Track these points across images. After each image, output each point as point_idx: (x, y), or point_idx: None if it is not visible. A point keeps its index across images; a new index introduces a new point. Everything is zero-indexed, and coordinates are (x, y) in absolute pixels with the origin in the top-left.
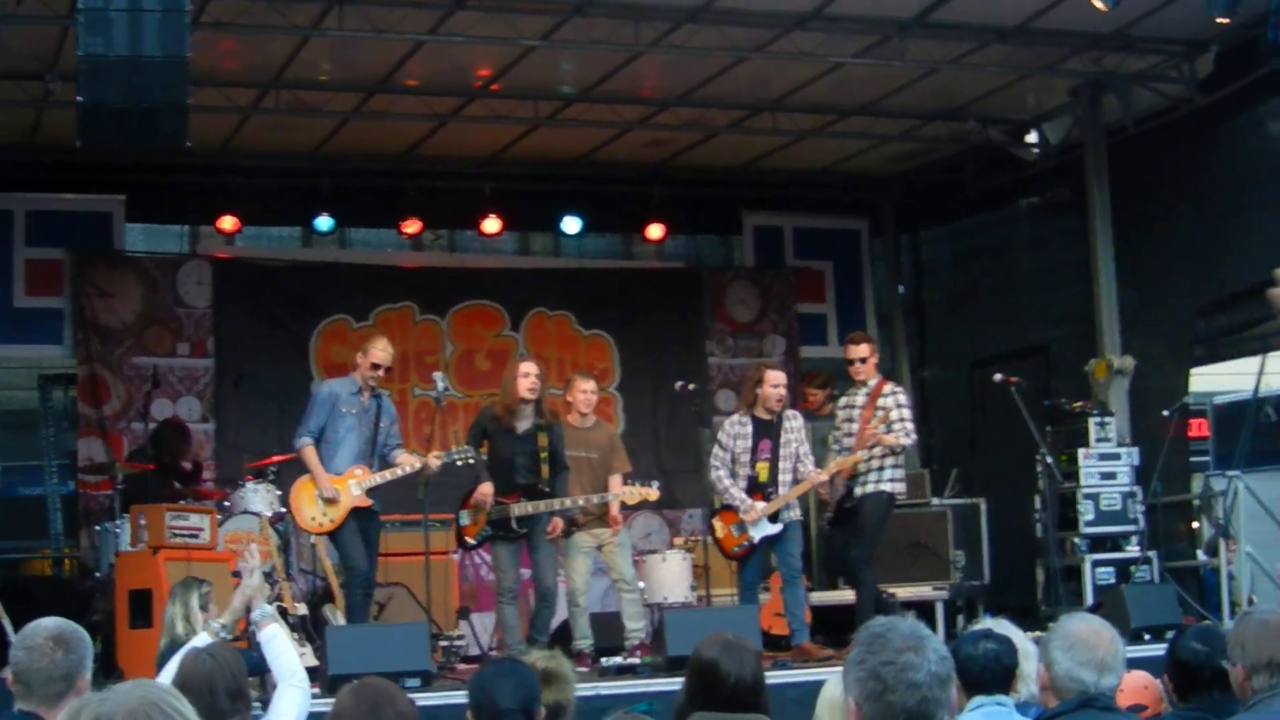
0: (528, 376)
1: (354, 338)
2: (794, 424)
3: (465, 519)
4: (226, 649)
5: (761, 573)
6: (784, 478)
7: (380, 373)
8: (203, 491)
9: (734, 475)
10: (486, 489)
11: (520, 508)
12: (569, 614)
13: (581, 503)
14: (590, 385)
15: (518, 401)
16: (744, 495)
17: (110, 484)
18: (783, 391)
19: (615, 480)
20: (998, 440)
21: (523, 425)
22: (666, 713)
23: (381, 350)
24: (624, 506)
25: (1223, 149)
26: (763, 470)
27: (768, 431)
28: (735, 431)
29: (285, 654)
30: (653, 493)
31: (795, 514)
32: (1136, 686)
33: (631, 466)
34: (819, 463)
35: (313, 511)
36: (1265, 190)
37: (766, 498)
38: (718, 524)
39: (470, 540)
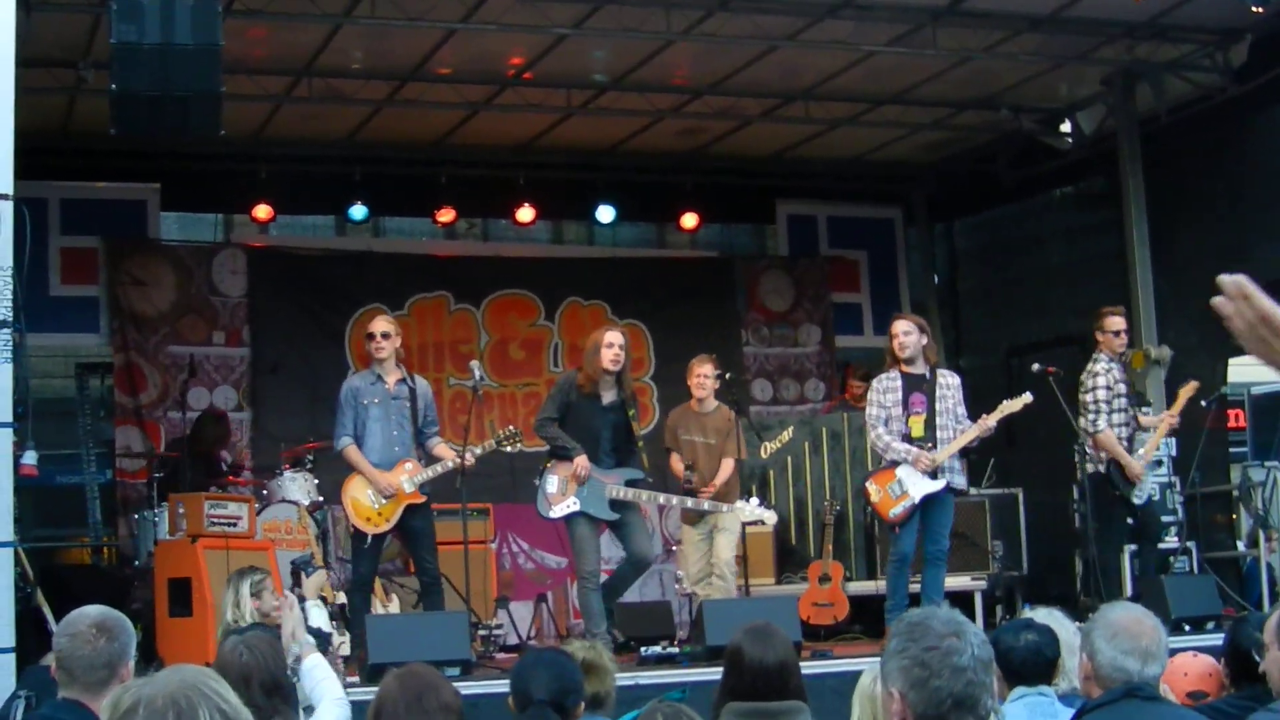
0: (611, 347)
1: None
2: (951, 381)
3: (553, 485)
4: (264, 641)
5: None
6: (943, 434)
7: (380, 342)
8: (239, 481)
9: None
10: (584, 461)
11: (619, 491)
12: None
13: (690, 504)
14: (707, 369)
15: (600, 373)
16: (909, 446)
17: (147, 472)
18: (904, 339)
19: (727, 464)
20: (1035, 430)
21: (608, 396)
22: (701, 700)
23: (373, 321)
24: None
25: (1257, 138)
26: (916, 424)
27: (919, 385)
28: (884, 386)
29: (327, 681)
30: (770, 516)
31: (959, 479)
32: (1202, 673)
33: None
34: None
35: (368, 513)
36: None
37: None
38: (872, 487)
39: (552, 512)
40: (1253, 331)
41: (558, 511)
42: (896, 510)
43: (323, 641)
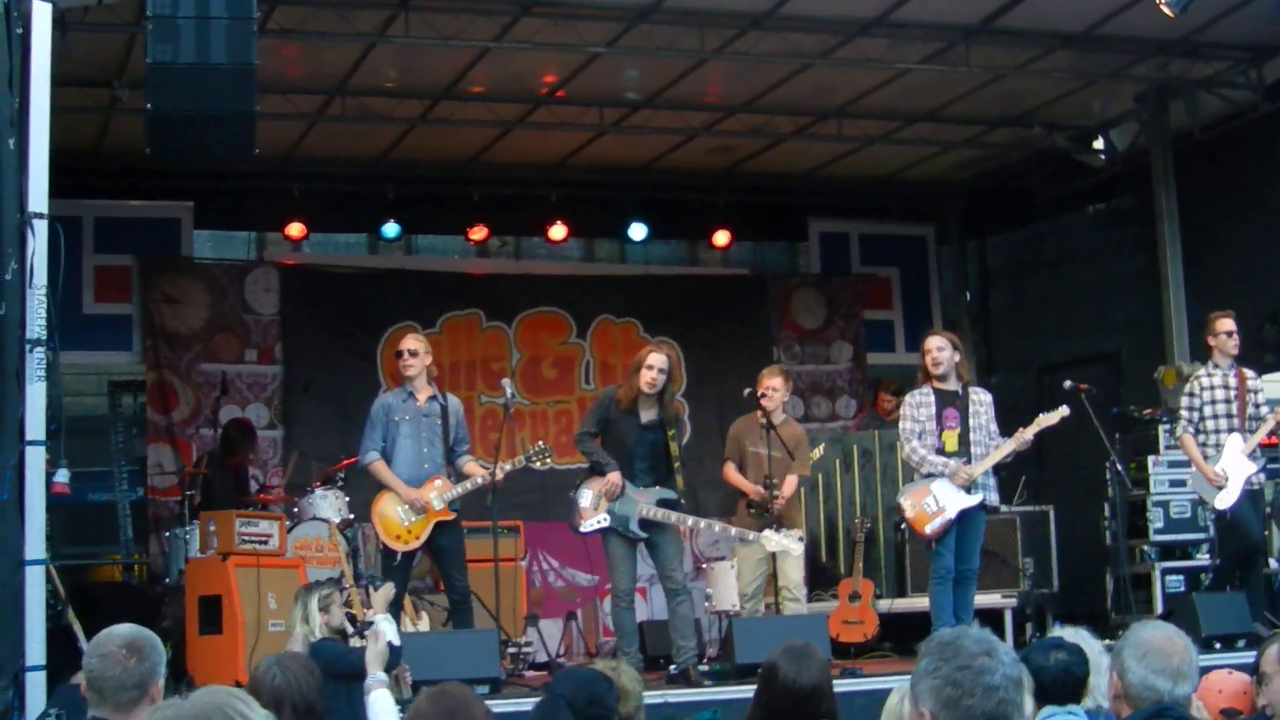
0: (650, 369)
1: None
2: (983, 398)
3: (586, 500)
4: (299, 662)
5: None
6: (976, 450)
7: (408, 359)
8: (267, 499)
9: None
10: (617, 478)
11: (650, 510)
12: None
13: (718, 529)
14: (776, 381)
15: (638, 394)
16: (946, 459)
17: (179, 490)
18: (937, 355)
19: (791, 479)
20: (1066, 447)
21: (646, 415)
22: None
23: (402, 339)
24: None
25: None
26: (950, 439)
27: (952, 401)
28: (918, 401)
29: (386, 715)
30: (796, 548)
31: (993, 496)
32: (1236, 691)
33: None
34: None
35: (398, 530)
36: None
37: None
38: (906, 503)
39: (582, 526)
40: None
41: (588, 526)
42: (932, 526)
43: (394, 655)
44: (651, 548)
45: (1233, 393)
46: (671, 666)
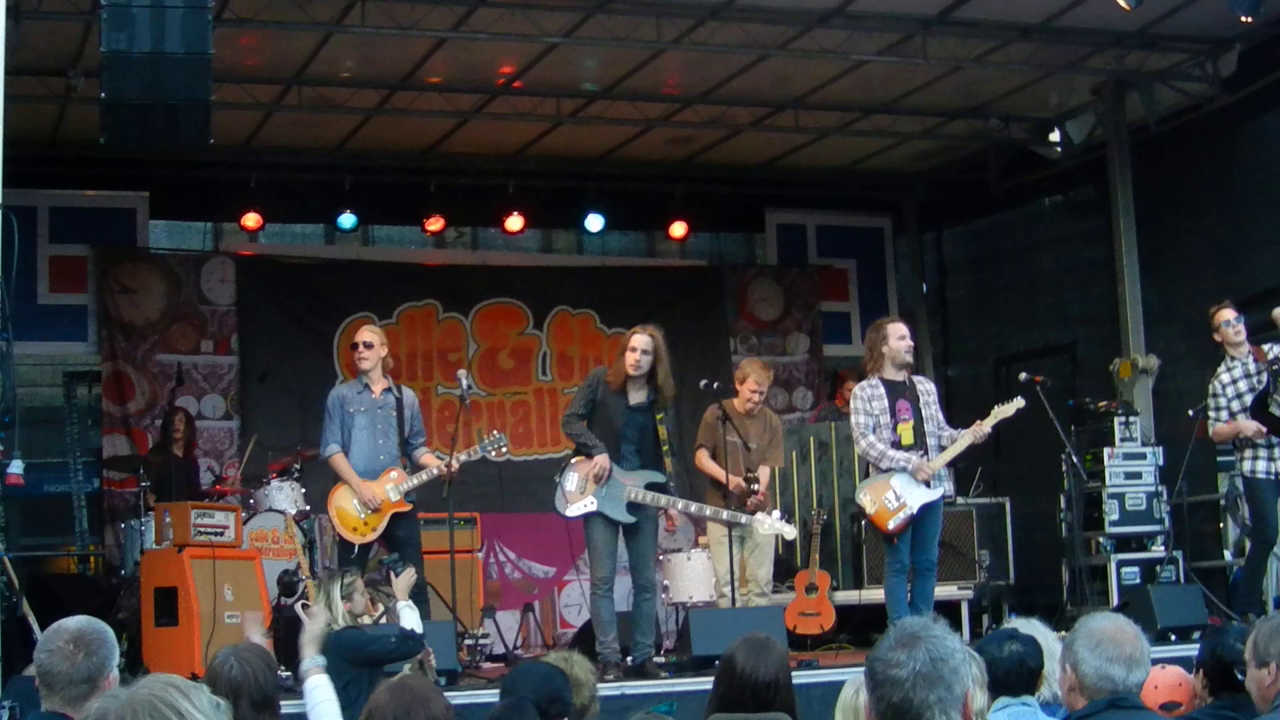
0: (634, 351)
1: None
2: (929, 387)
3: (572, 483)
4: (257, 654)
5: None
6: (930, 441)
7: (363, 351)
8: (224, 490)
9: None
10: (604, 460)
11: (638, 494)
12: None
13: (709, 512)
14: (760, 375)
15: (623, 377)
16: (907, 454)
17: (135, 481)
18: (910, 343)
19: (764, 472)
20: (1022, 439)
21: (635, 397)
22: (688, 712)
23: (358, 331)
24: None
25: (1246, 147)
26: (905, 432)
27: (902, 392)
28: (869, 394)
29: (326, 704)
30: (790, 531)
31: (950, 487)
32: (1171, 684)
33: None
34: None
35: (354, 522)
36: None
37: None
38: (866, 499)
39: (568, 510)
40: None
41: (574, 510)
42: (895, 521)
43: (415, 643)
44: (629, 540)
45: (1257, 376)
46: (629, 659)
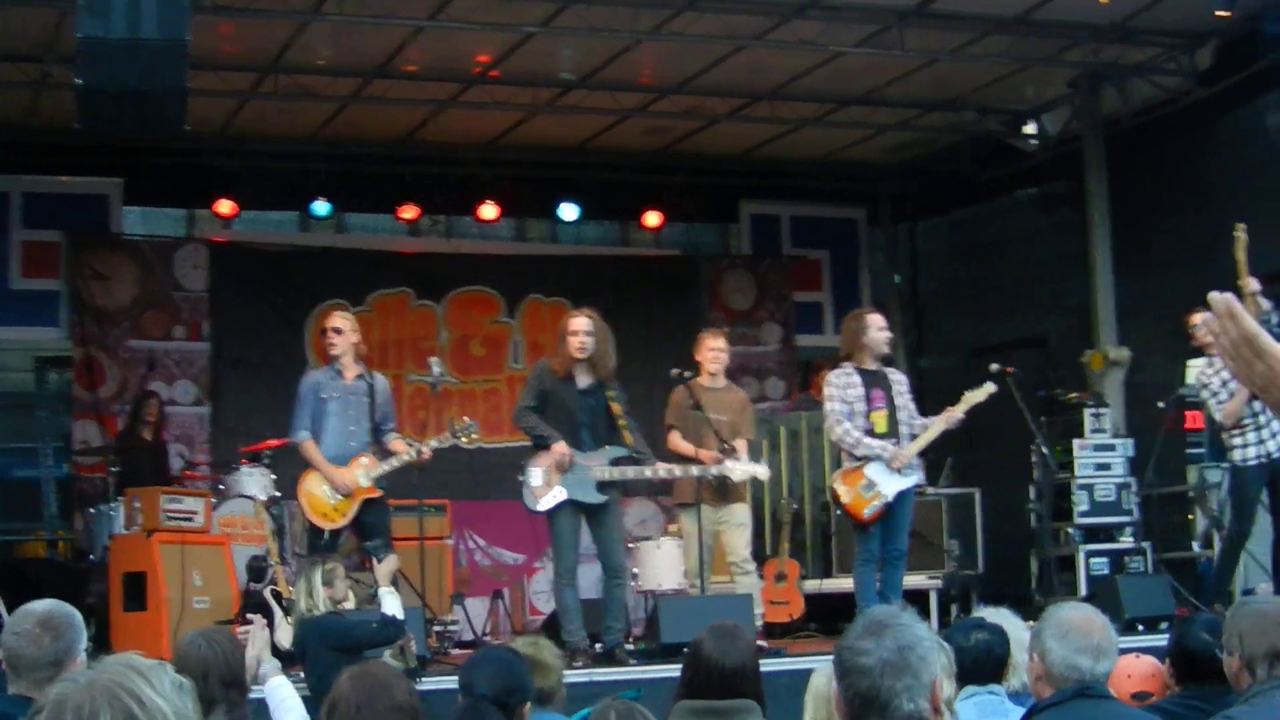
0: (576, 335)
1: None
2: (900, 377)
3: (537, 479)
4: (224, 635)
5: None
6: (903, 430)
7: (333, 337)
8: (195, 476)
9: None
10: (563, 448)
11: (605, 472)
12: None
13: (679, 473)
14: (720, 343)
15: (570, 362)
16: (883, 442)
17: (105, 467)
18: (889, 334)
19: (741, 445)
20: (993, 430)
21: (584, 380)
22: (655, 699)
23: (328, 318)
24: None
25: (1221, 142)
26: (879, 420)
27: (877, 381)
28: (844, 382)
29: (290, 701)
30: (763, 471)
31: (921, 475)
32: (1145, 673)
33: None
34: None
35: (324, 508)
36: (1262, 183)
37: None
38: (841, 488)
39: (539, 505)
40: (1235, 351)
41: (546, 503)
42: (871, 509)
43: (396, 629)
44: (595, 527)
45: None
46: (597, 645)
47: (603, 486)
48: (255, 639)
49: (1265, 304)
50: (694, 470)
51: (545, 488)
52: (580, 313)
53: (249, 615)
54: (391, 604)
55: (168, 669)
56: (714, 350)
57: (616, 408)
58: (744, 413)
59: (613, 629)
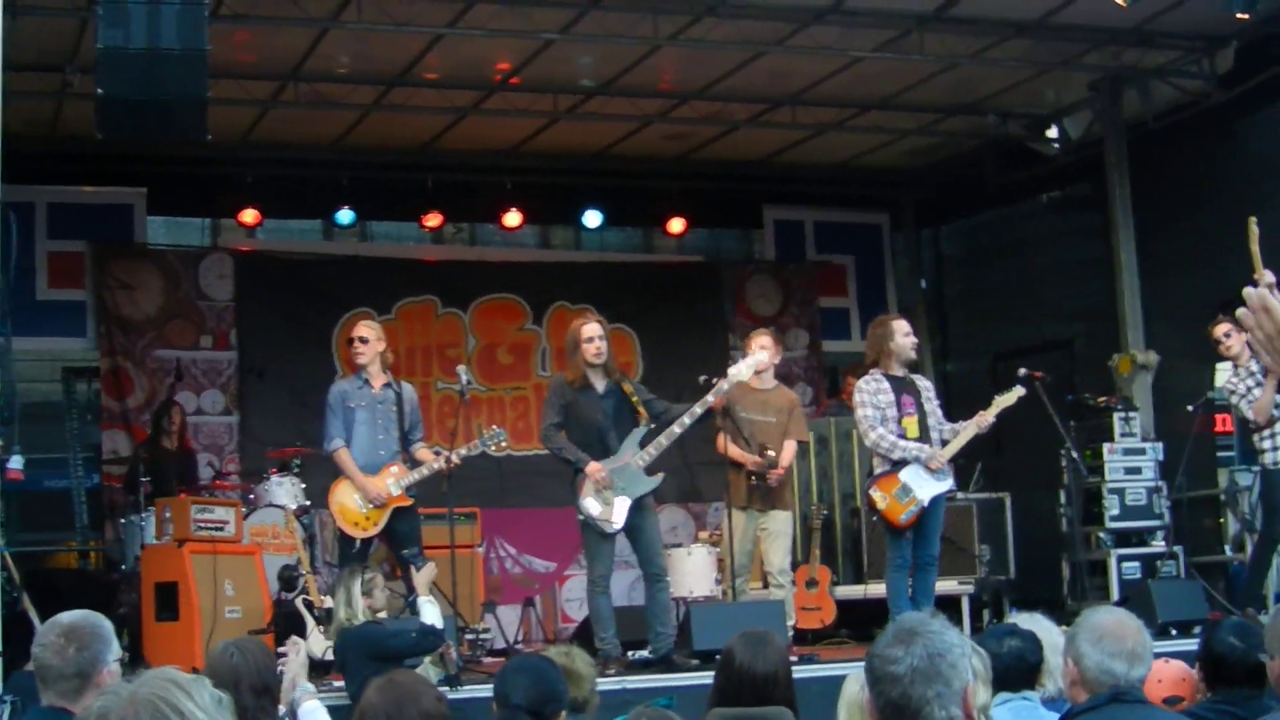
0: (591, 342)
1: None
2: (927, 383)
3: (595, 507)
4: (256, 644)
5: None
6: (933, 435)
7: (359, 346)
8: (225, 485)
9: None
10: (596, 468)
11: (643, 459)
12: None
13: (699, 409)
14: (765, 340)
15: (586, 368)
16: (920, 444)
17: (127, 477)
18: (915, 339)
19: (790, 445)
20: (1022, 435)
21: (600, 384)
22: (688, 706)
23: (355, 327)
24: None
25: (1242, 144)
26: (910, 425)
27: (905, 388)
28: (874, 388)
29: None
30: (757, 360)
31: (953, 481)
32: (1175, 678)
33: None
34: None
35: (356, 517)
36: None
37: None
38: (877, 494)
39: (613, 526)
40: (1271, 344)
41: (619, 520)
42: (907, 515)
43: (436, 638)
44: (634, 533)
45: (1253, 380)
46: (648, 651)
47: (650, 469)
48: (292, 663)
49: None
50: (710, 398)
51: (607, 508)
52: (589, 318)
53: (288, 639)
54: (430, 613)
55: (206, 683)
56: (758, 348)
57: (628, 388)
58: (793, 413)
59: (662, 634)
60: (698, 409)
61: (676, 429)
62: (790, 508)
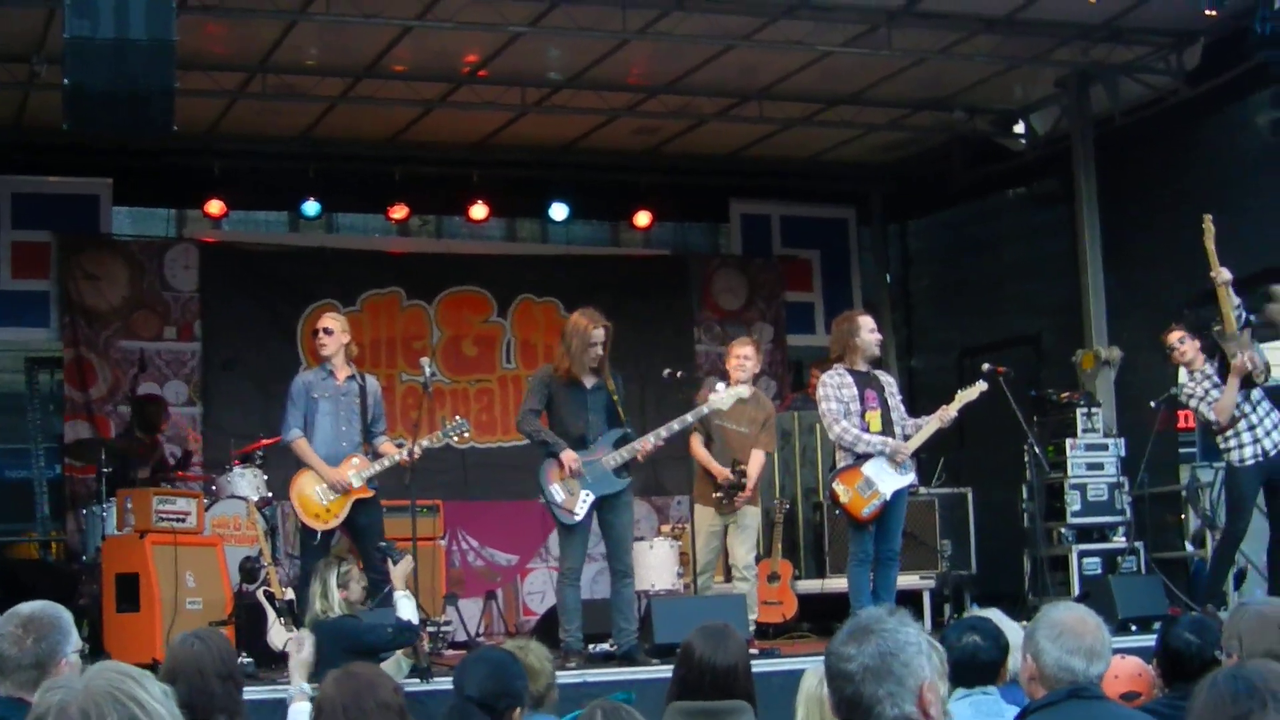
0: (596, 346)
1: None
2: (890, 379)
3: (559, 494)
4: (217, 634)
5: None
6: (896, 430)
7: (323, 338)
8: (187, 476)
9: None
10: (570, 455)
11: (617, 459)
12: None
13: (676, 426)
14: (747, 350)
15: (584, 366)
16: (883, 438)
17: (96, 467)
18: (880, 335)
19: (758, 456)
20: (985, 430)
21: (590, 380)
22: (648, 701)
23: (319, 318)
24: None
25: (1209, 141)
26: (873, 420)
27: (869, 383)
28: (838, 382)
29: None
30: (743, 390)
31: (915, 476)
32: (1131, 674)
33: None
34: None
35: (316, 509)
36: (1251, 182)
37: None
38: (840, 488)
39: (575, 517)
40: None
41: (581, 512)
42: (870, 509)
43: (411, 633)
44: (605, 528)
45: (1210, 383)
46: (610, 645)
47: (620, 470)
48: (294, 658)
49: (1234, 299)
50: (689, 418)
51: (571, 497)
52: (598, 323)
53: (292, 636)
54: (406, 608)
55: (152, 677)
56: (739, 358)
57: (611, 384)
58: (767, 425)
59: (626, 630)
60: (676, 425)
61: (651, 439)
62: (757, 504)
